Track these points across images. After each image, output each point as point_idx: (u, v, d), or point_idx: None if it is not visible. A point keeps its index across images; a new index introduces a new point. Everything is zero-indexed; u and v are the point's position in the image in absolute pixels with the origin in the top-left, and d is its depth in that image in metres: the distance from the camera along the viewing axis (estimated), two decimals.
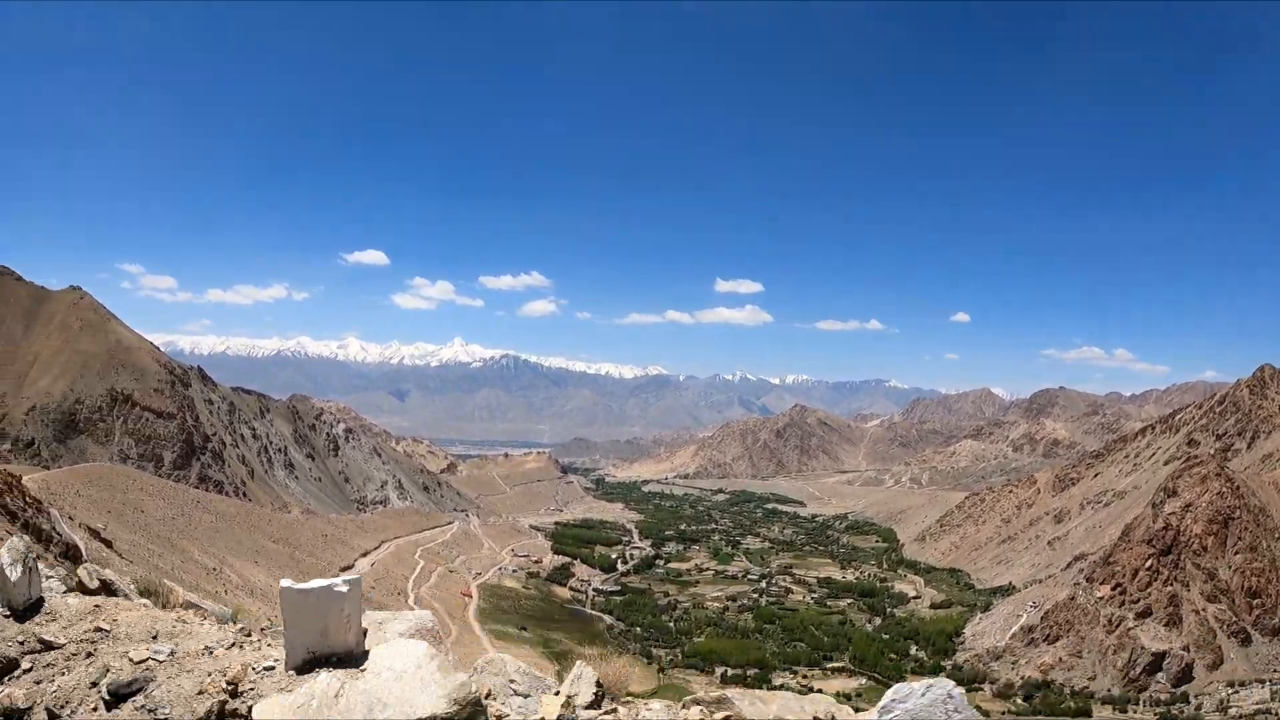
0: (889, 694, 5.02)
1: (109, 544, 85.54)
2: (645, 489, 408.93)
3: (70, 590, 9.09)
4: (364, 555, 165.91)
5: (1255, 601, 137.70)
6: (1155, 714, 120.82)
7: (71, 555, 59.54)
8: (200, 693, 6.81)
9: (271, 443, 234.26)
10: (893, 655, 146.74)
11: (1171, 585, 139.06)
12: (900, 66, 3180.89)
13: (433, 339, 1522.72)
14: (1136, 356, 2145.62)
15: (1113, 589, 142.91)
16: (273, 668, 6.57)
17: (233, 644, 7.25)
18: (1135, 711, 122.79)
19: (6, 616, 7.94)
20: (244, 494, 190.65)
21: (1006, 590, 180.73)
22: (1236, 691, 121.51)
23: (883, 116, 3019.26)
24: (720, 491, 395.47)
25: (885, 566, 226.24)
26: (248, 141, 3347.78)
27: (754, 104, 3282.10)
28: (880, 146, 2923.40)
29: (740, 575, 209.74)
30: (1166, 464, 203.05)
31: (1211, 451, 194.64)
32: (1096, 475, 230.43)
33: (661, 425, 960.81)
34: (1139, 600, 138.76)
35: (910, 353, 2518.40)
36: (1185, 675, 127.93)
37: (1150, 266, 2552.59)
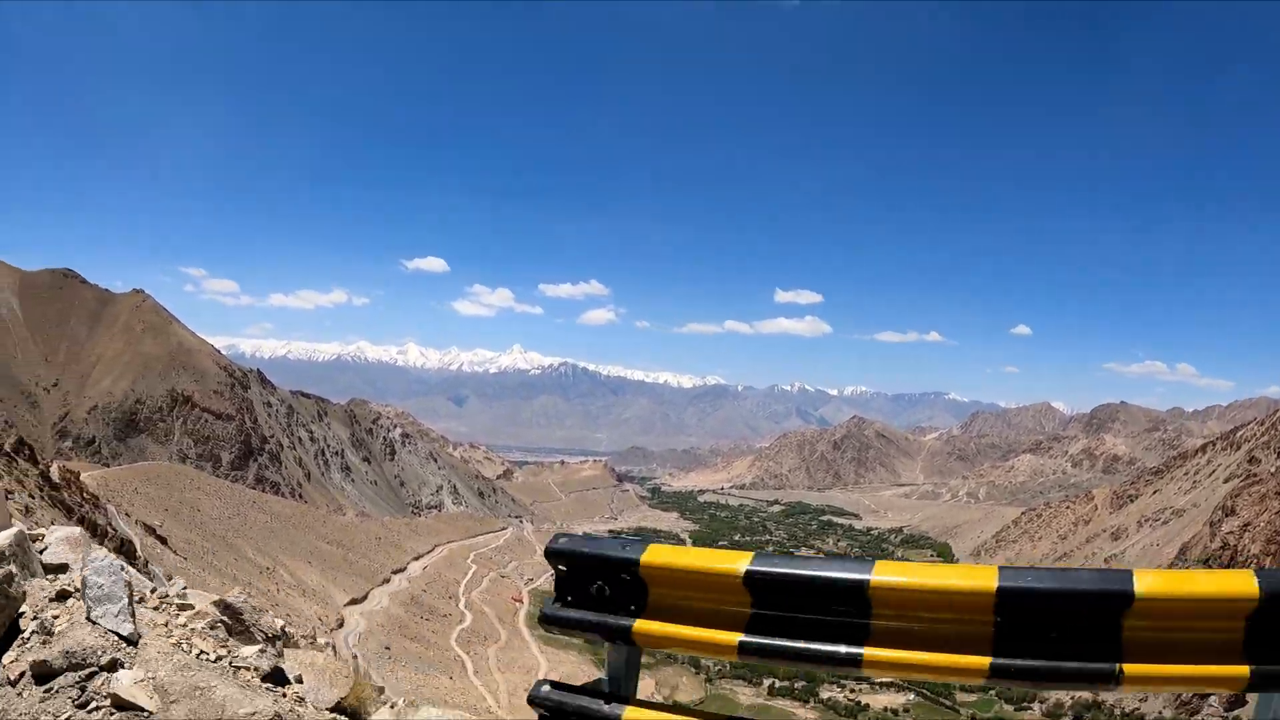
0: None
1: (164, 541, 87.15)
2: (701, 499, 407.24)
3: None
4: (417, 558, 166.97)
5: None
6: None
7: (126, 550, 60.88)
8: None
9: (329, 446, 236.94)
10: None
11: None
12: (962, 74, 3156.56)
13: (492, 346, 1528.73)
14: (1199, 371, 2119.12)
15: None
16: None
17: None
18: None
19: None
20: (300, 495, 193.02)
21: None
22: None
23: (944, 125, 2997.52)
24: (776, 502, 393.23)
25: None
26: (310, 148, 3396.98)
27: (815, 112, 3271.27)
28: (942, 156, 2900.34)
29: None
30: (1226, 481, 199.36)
31: (1273, 469, 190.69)
32: (1155, 492, 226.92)
33: (719, 435, 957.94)
34: None
35: (970, 365, 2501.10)
36: (1238, 699, 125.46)
37: (1215, 280, 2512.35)
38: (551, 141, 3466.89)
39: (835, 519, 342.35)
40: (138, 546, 69.14)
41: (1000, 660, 3.61)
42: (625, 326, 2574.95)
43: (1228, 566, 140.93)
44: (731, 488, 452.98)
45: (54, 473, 64.30)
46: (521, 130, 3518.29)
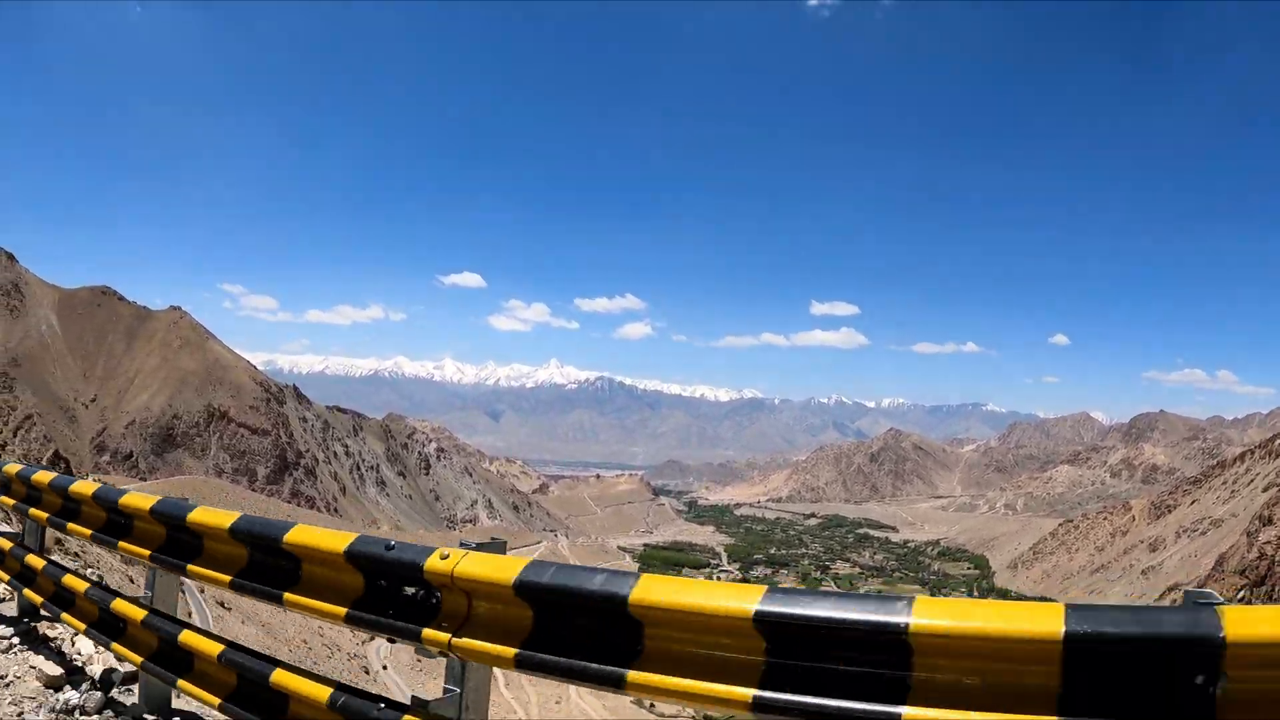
0: None
1: None
2: (737, 512, 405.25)
3: None
4: None
5: None
6: None
7: None
8: None
9: (364, 460, 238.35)
10: None
11: None
12: (995, 84, 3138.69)
13: (528, 360, 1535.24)
14: (1240, 379, 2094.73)
15: None
16: None
17: None
18: None
19: None
20: (335, 510, 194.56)
21: None
22: None
23: (978, 136, 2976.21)
24: (812, 516, 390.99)
25: (975, 594, 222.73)
26: (348, 165, 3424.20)
27: (850, 125, 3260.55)
28: (976, 167, 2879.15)
29: None
30: (1265, 490, 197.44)
31: None
32: (1194, 502, 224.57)
33: (755, 448, 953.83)
34: None
35: (1008, 375, 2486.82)
36: None
37: (1256, 286, 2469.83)
38: (587, 156, 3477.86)
39: (872, 532, 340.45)
40: None
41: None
42: (661, 340, 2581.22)
43: (1265, 577, 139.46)
44: (768, 501, 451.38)
45: None
46: (557, 145, 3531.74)
